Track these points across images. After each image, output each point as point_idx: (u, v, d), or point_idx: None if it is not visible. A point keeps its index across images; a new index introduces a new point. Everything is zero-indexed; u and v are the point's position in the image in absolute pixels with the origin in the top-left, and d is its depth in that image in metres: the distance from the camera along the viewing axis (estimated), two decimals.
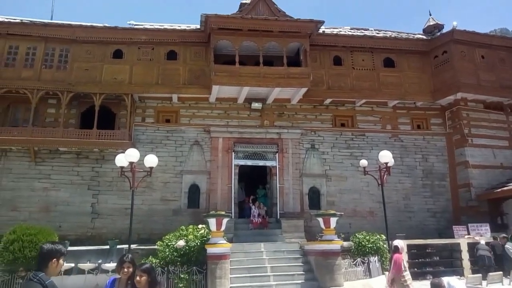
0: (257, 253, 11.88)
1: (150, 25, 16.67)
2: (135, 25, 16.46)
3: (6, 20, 15.48)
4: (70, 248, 12.03)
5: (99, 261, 10.77)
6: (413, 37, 17.51)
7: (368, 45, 16.44)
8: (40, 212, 13.89)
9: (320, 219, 11.48)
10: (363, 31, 17.77)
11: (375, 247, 11.95)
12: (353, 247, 12.13)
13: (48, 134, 14.09)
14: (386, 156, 11.72)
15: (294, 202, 15.02)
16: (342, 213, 12.37)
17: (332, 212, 11.69)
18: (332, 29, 17.50)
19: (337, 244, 11.15)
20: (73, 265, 11.08)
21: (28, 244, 10.41)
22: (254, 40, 14.97)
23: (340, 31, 17.53)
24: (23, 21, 15.71)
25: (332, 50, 16.30)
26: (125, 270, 3.78)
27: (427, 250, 12.96)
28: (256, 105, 15.72)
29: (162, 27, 16.34)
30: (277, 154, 15.45)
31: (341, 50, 16.36)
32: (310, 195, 15.32)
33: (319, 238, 11.86)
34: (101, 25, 15.85)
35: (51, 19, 21.02)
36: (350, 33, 17.27)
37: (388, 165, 11.84)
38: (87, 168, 14.65)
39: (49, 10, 42.44)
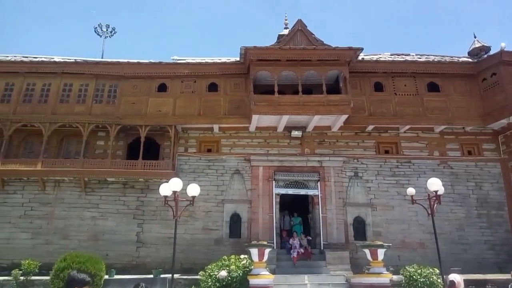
0: (301, 286, 11.48)
1: (192, 59, 17.40)
2: (178, 60, 17.26)
3: (62, 60, 16.78)
4: (116, 277, 12.32)
5: None
6: (458, 60, 16.93)
7: (410, 70, 16.09)
8: (89, 241, 14.38)
9: (367, 251, 10.98)
10: (404, 56, 17.48)
11: (428, 282, 11.11)
12: (403, 281, 11.37)
13: (97, 165, 14.78)
14: (435, 184, 11.10)
15: (338, 232, 14.51)
16: (390, 244, 11.80)
17: (380, 243, 11.16)
18: (371, 56, 17.36)
19: (386, 277, 10.56)
20: None
21: None
22: (292, 69, 15.14)
23: (380, 57, 17.35)
24: (77, 60, 16.96)
25: (372, 77, 16.11)
26: None
27: (487, 287, 11.87)
28: (296, 133, 15.68)
29: (203, 61, 16.98)
30: (319, 182, 15.16)
31: (382, 76, 16.13)
32: (355, 225, 14.75)
33: (366, 271, 11.30)
34: (146, 61, 16.77)
35: (102, 57, 22.60)
36: (390, 59, 17.04)
37: (438, 193, 11.18)
38: (132, 198, 15.10)
39: (100, 49, 45.67)
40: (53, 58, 17.11)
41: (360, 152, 15.92)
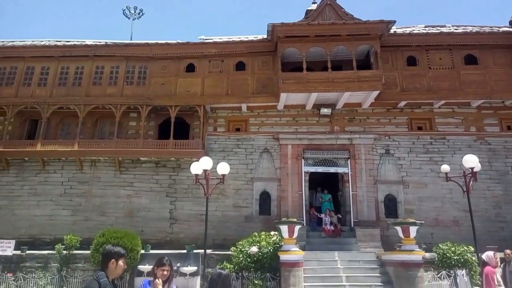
0: (331, 262, 11.54)
1: (219, 39, 17.31)
2: (205, 39, 17.24)
3: (93, 43, 17.16)
4: (151, 252, 12.81)
5: (178, 265, 11.25)
6: (498, 30, 15.97)
7: (445, 43, 15.35)
8: (125, 217, 14.98)
9: (399, 228, 10.84)
10: (439, 28, 16.67)
11: (462, 260, 10.93)
12: (436, 259, 11.24)
13: (130, 145, 15.21)
14: (471, 161, 10.79)
15: (369, 210, 14.39)
16: (423, 222, 11.59)
17: (412, 220, 10.98)
18: (404, 29, 16.67)
19: (419, 254, 10.42)
20: None
21: None
22: (321, 45, 14.80)
23: (413, 30, 16.63)
24: (107, 43, 17.27)
25: (405, 51, 15.50)
26: (165, 272, 3.87)
27: None
28: (325, 110, 15.45)
29: (230, 40, 16.83)
30: (349, 160, 14.98)
31: (415, 49, 15.49)
32: (386, 202, 14.56)
33: (397, 248, 11.21)
34: (174, 42, 16.81)
35: (131, 39, 22.94)
36: (424, 31, 16.30)
37: (474, 170, 10.87)
38: (165, 176, 15.51)
39: (129, 31, 46.36)
40: (84, 42, 17.53)
41: (392, 129, 15.51)
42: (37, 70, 16.49)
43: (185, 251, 12.57)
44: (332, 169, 15.07)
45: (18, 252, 12.56)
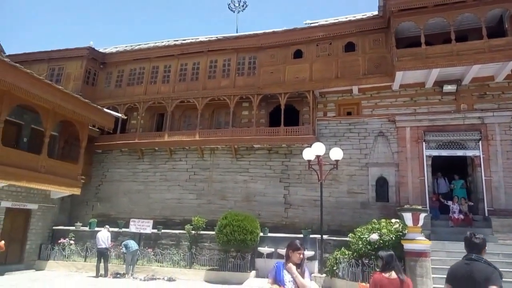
0: (462, 254, 10.45)
1: (325, 21, 16.89)
2: (311, 23, 17.01)
3: (206, 39, 18.32)
4: (269, 235, 13.35)
5: None
6: None
7: None
8: (243, 201, 15.82)
9: None
10: None
11: None
12: None
13: (244, 133, 15.95)
14: None
15: (507, 197, 12.59)
16: None
17: None
18: None
19: None
20: (273, 249, 12.23)
21: (237, 228, 12.02)
22: (442, 15, 13.32)
23: None
24: (218, 37, 18.30)
25: None
26: (300, 256, 3.84)
27: None
28: (449, 87, 13.94)
29: (337, 21, 16.29)
30: (480, 142, 13.29)
31: None
32: None
33: None
34: (281, 29, 16.97)
35: (236, 31, 23.84)
36: None
37: None
38: (277, 162, 15.89)
39: (234, 24, 48.45)
40: (198, 38, 18.84)
41: None
42: (161, 68, 18.30)
43: (301, 235, 12.79)
44: (459, 152, 13.55)
45: (155, 230, 14.30)
